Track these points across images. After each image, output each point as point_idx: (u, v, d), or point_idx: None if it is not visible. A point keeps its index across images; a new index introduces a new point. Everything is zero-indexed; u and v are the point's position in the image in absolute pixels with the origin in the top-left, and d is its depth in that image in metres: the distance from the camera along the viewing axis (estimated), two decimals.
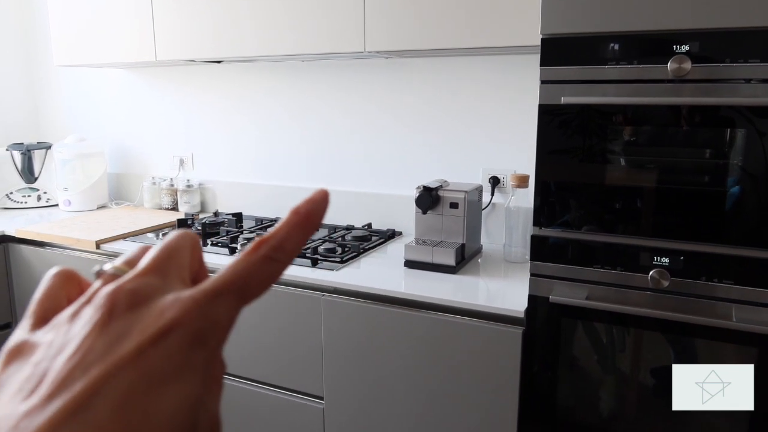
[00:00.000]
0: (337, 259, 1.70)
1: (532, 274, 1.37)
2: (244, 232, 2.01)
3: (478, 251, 1.81)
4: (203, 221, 2.06)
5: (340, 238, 1.91)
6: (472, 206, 1.69)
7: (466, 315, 1.42)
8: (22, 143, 2.57)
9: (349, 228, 2.05)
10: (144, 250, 0.26)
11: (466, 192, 1.66)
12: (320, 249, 1.77)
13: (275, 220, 2.10)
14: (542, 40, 1.27)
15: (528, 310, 1.37)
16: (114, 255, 1.86)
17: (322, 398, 1.63)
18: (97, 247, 1.91)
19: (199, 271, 0.27)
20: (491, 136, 1.91)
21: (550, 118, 1.28)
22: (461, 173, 1.95)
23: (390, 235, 1.97)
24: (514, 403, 1.40)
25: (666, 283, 1.23)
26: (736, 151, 1.17)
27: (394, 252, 1.82)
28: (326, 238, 1.91)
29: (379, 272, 1.63)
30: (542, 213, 1.34)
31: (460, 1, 1.55)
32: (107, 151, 2.61)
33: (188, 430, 0.21)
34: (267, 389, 1.71)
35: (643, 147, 1.26)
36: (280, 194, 2.25)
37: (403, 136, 2.05)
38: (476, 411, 1.45)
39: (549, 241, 1.34)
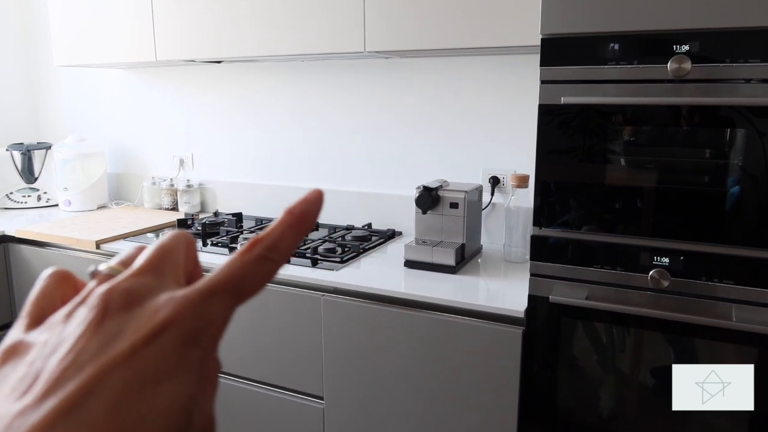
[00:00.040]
0: (337, 259, 1.70)
1: (532, 274, 1.36)
2: (244, 232, 2.01)
3: (478, 251, 1.81)
4: (203, 221, 2.06)
5: (340, 238, 1.91)
6: (472, 206, 1.69)
7: (466, 315, 1.42)
8: (22, 143, 2.58)
9: (349, 228, 2.04)
10: (139, 250, 0.26)
11: (466, 192, 1.66)
12: (320, 249, 1.77)
13: None
14: (542, 40, 1.27)
15: (528, 310, 1.37)
16: (114, 255, 1.86)
17: (322, 398, 1.63)
18: (97, 247, 1.91)
19: (194, 271, 0.27)
20: (491, 136, 1.91)
21: (550, 118, 1.28)
22: (461, 173, 1.95)
23: (390, 235, 1.97)
24: (514, 403, 1.40)
25: (666, 283, 1.23)
26: (736, 151, 1.17)
27: (394, 252, 1.82)
28: (326, 238, 1.91)
29: (379, 272, 1.63)
30: (542, 213, 1.34)
31: (460, 1, 1.55)
32: (107, 151, 2.61)
33: (182, 428, 0.21)
34: (267, 389, 1.71)
35: (643, 147, 1.26)
36: (280, 194, 2.25)
37: (404, 136, 2.05)
38: (476, 411, 1.45)
39: (549, 241, 1.34)
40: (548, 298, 1.33)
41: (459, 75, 1.93)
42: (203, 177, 2.44)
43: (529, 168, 1.75)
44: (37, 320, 0.25)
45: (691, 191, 1.21)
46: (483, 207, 1.86)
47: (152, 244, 0.26)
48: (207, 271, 0.25)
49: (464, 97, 1.93)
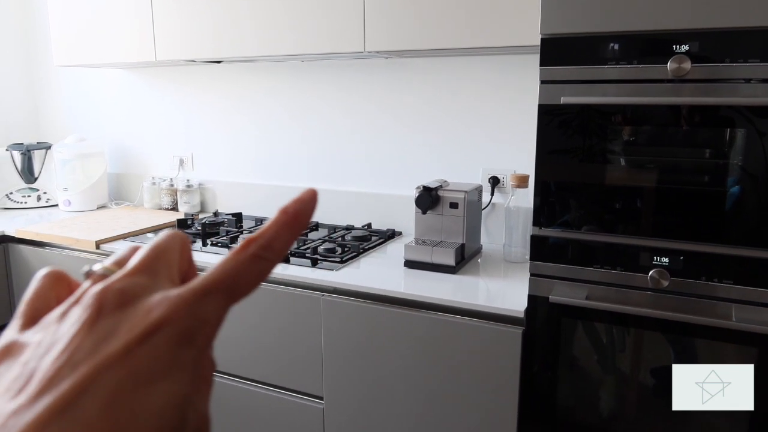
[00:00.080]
0: (337, 259, 1.70)
1: (532, 274, 1.36)
2: (244, 232, 2.01)
3: (478, 251, 1.81)
4: (203, 221, 2.06)
5: (340, 238, 1.91)
6: (471, 206, 1.69)
7: (466, 315, 1.42)
8: (22, 143, 2.58)
9: (349, 228, 2.04)
10: (133, 251, 0.26)
11: (466, 192, 1.66)
12: (320, 249, 1.77)
13: None
14: (542, 40, 1.27)
15: (528, 310, 1.37)
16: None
17: (322, 398, 1.63)
18: (97, 247, 1.91)
19: (189, 271, 0.27)
20: (491, 136, 1.91)
21: (550, 118, 1.28)
22: (461, 173, 1.95)
23: (390, 235, 1.97)
24: (514, 403, 1.40)
25: (666, 283, 1.23)
26: (736, 151, 1.17)
27: (394, 252, 1.82)
28: (326, 238, 1.91)
29: (378, 272, 1.63)
30: (542, 213, 1.33)
31: (460, 1, 1.55)
32: (107, 151, 2.61)
33: (176, 428, 0.21)
34: (267, 389, 1.71)
35: (643, 147, 1.26)
36: (280, 194, 2.25)
37: (403, 136, 2.05)
38: (476, 411, 1.44)
39: (549, 241, 1.34)
40: (548, 298, 1.33)
41: (459, 75, 1.93)
42: (203, 177, 2.44)
43: (529, 168, 1.75)
44: (31, 320, 0.25)
45: (691, 191, 1.21)
46: (483, 207, 1.86)
47: (146, 244, 0.26)
48: (202, 270, 0.25)
49: (464, 97, 1.93)
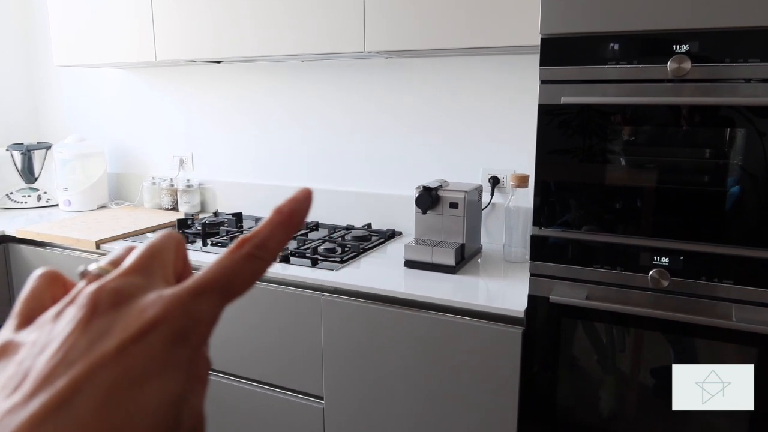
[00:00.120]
0: (337, 259, 1.70)
1: (532, 274, 1.36)
2: (244, 232, 2.01)
3: (478, 251, 1.81)
4: (203, 221, 2.06)
5: (340, 238, 1.91)
6: (471, 206, 1.69)
7: (466, 315, 1.42)
8: (22, 143, 2.58)
9: (349, 228, 2.04)
10: (128, 250, 0.26)
11: (466, 192, 1.66)
12: (320, 249, 1.77)
13: None
14: (542, 40, 1.26)
15: (528, 310, 1.37)
16: None
17: (322, 398, 1.63)
18: (97, 247, 1.91)
19: (184, 271, 0.27)
20: (491, 136, 1.91)
21: (550, 118, 1.28)
22: (461, 173, 1.95)
23: (390, 235, 1.97)
24: (514, 403, 1.40)
25: (666, 283, 1.23)
26: (736, 151, 1.16)
27: (394, 252, 1.82)
28: (326, 238, 1.91)
29: (378, 272, 1.63)
30: (542, 213, 1.33)
31: (460, 1, 1.55)
32: (107, 151, 2.61)
33: (171, 426, 0.21)
34: (267, 389, 1.71)
35: (643, 147, 1.26)
36: (280, 194, 2.25)
37: (403, 136, 2.05)
38: (476, 411, 1.44)
39: (549, 241, 1.34)
40: (548, 298, 1.33)
41: (458, 75, 1.93)
42: (203, 177, 2.44)
43: (529, 168, 1.75)
44: (26, 320, 0.25)
45: (691, 191, 1.21)
46: (483, 207, 1.86)
47: (141, 243, 0.26)
48: (197, 270, 0.25)
49: (464, 97, 1.93)
